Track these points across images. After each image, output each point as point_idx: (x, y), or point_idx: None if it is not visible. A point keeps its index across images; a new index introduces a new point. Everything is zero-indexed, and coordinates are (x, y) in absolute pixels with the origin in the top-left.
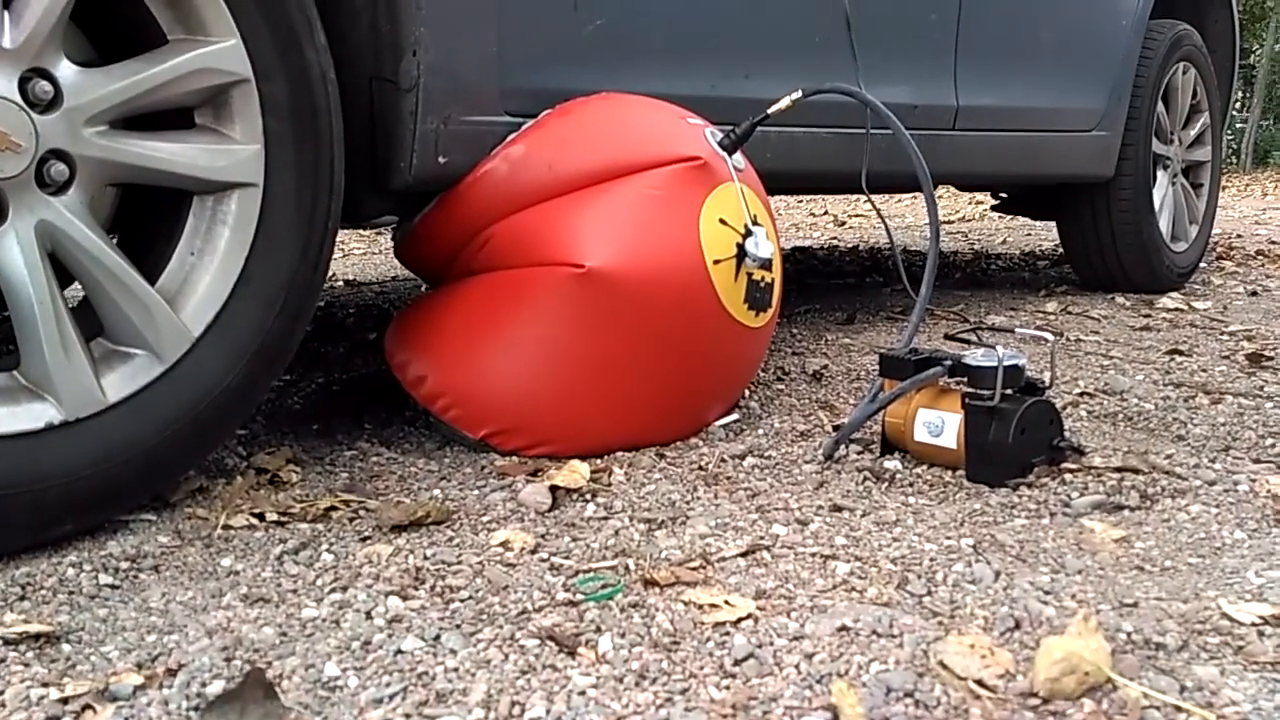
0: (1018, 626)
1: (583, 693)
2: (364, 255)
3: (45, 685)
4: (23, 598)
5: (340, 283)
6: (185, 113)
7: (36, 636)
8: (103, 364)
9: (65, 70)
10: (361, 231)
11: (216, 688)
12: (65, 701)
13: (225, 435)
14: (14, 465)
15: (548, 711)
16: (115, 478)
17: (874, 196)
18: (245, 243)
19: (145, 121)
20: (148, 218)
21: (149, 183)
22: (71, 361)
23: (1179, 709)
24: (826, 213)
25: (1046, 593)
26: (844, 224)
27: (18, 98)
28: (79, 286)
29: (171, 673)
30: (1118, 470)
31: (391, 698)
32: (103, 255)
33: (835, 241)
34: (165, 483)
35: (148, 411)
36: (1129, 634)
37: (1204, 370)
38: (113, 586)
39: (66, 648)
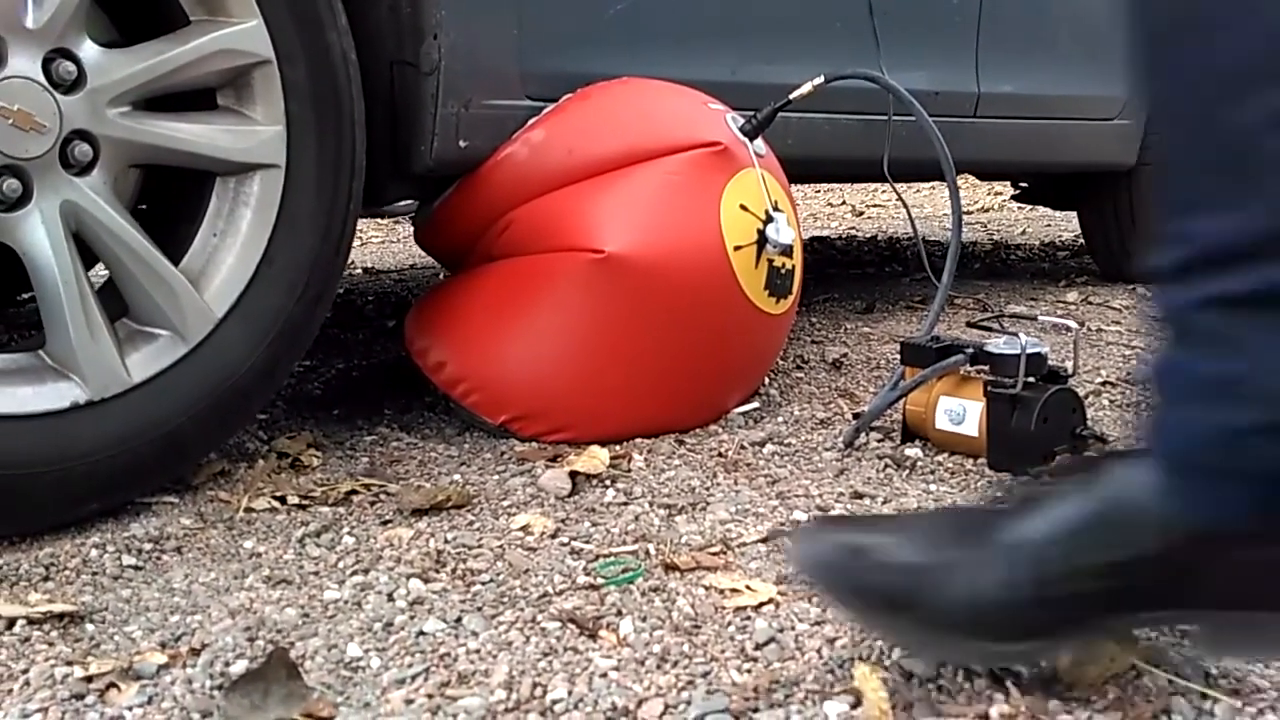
0: None
1: (604, 675)
2: (382, 244)
3: (69, 664)
4: (46, 578)
5: (359, 270)
6: (208, 94)
7: (60, 616)
8: (127, 344)
9: (88, 51)
10: (380, 220)
11: (240, 667)
12: (89, 680)
13: (248, 416)
14: (40, 444)
15: (569, 693)
16: (140, 457)
17: (896, 184)
18: (268, 224)
19: (168, 103)
20: (171, 199)
21: (172, 164)
22: (97, 342)
23: (1205, 695)
24: (844, 202)
25: None
26: (862, 214)
27: (41, 78)
28: (103, 268)
29: (195, 652)
30: None
31: (414, 678)
32: (127, 236)
33: (853, 231)
34: (189, 463)
35: (172, 392)
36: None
37: None
38: (136, 567)
39: (90, 627)
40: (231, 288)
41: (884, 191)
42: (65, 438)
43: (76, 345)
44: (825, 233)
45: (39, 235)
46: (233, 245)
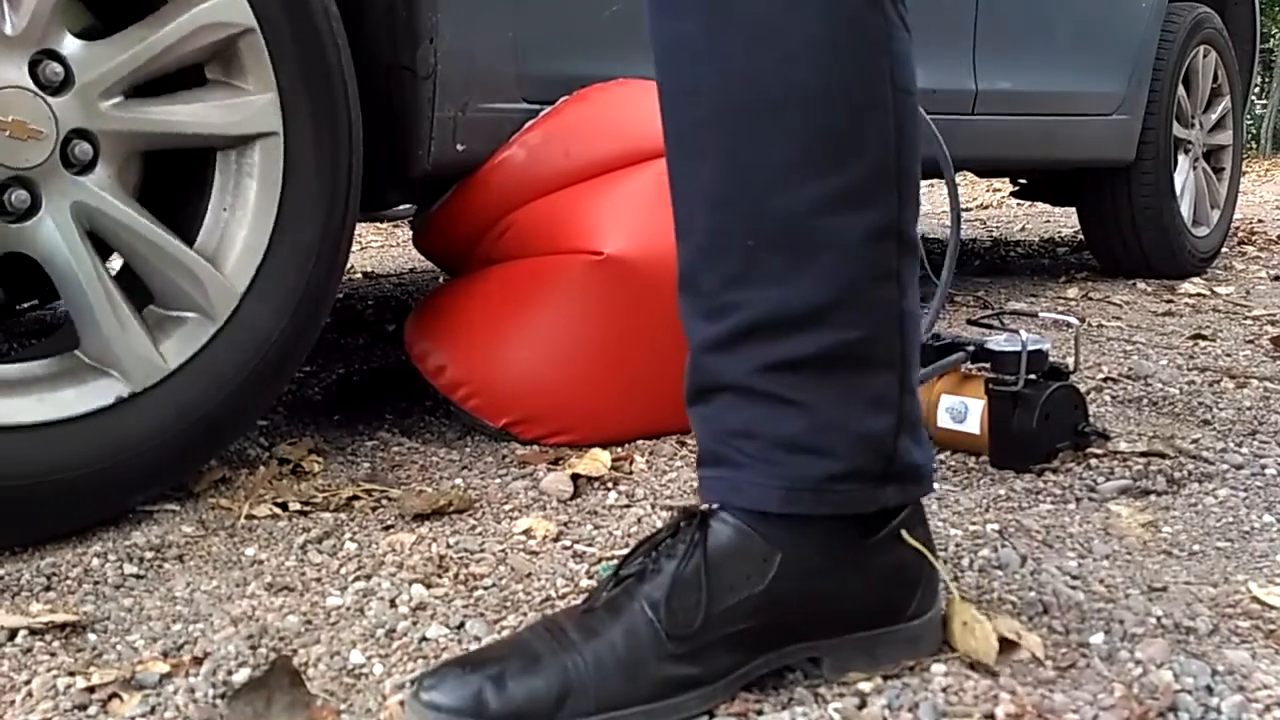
0: (1046, 611)
1: None
2: (381, 248)
3: (71, 674)
4: (48, 588)
5: (359, 275)
6: (196, 70)
7: (62, 626)
8: (158, 331)
9: (71, 46)
10: (379, 224)
11: (243, 675)
12: (92, 690)
13: (279, 389)
14: (90, 444)
15: None
16: (185, 441)
17: None
18: (274, 193)
19: (158, 85)
20: (176, 181)
21: (171, 146)
22: (129, 333)
23: (1210, 692)
24: None
25: (1074, 577)
26: None
27: (30, 84)
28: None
29: (197, 661)
30: (1144, 455)
31: (414, 682)
32: (139, 226)
33: None
34: (227, 443)
35: (208, 372)
36: (1159, 618)
37: (1228, 355)
38: (137, 576)
39: (92, 637)
40: (249, 261)
41: None
42: (113, 433)
43: (110, 340)
44: None
45: (55, 240)
46: (244, 218)
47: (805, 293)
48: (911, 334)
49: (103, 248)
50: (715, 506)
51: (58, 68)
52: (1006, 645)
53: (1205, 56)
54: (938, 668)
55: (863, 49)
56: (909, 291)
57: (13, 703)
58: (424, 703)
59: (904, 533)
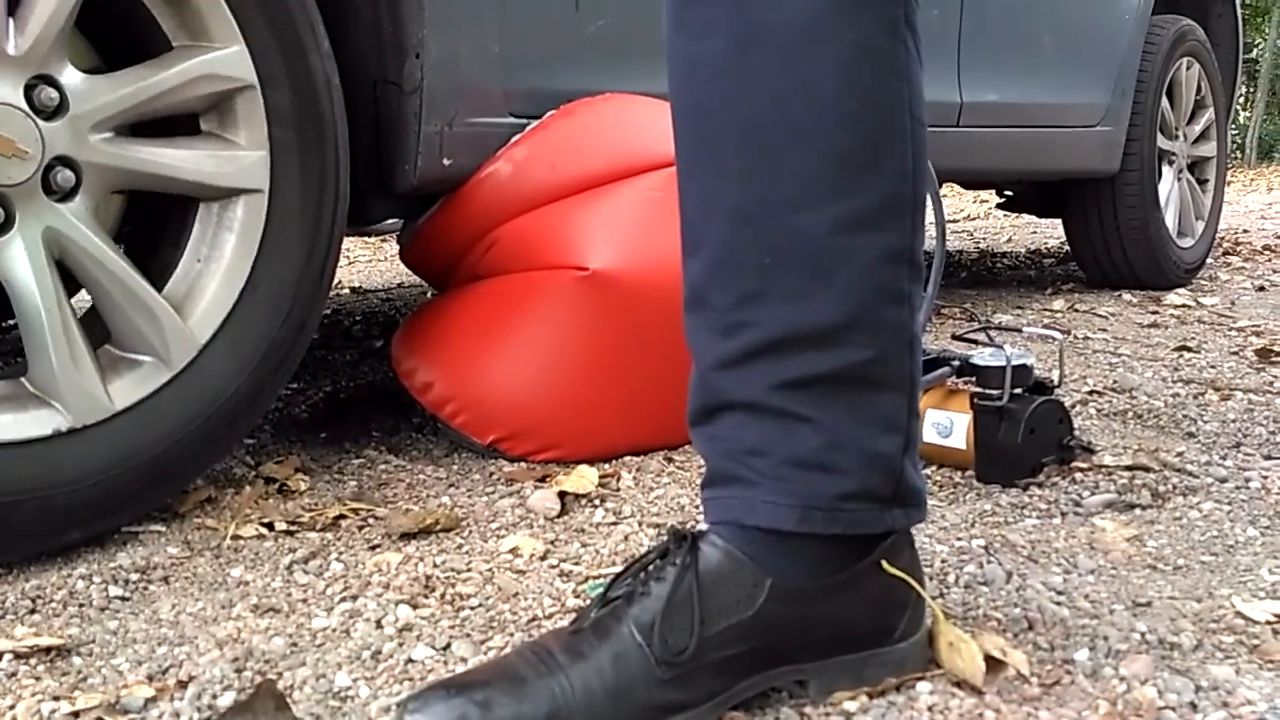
0: (1031, 627)
1: None
2: (369, 263)
3: (56, 699)
4: (33, 610)
5: (346, 290)
6: (191, 119)
7: (47, 650)
8: (110, 371)
9: (70, 77)
10: (367, 238)
11: (228, 699)
12: (77, 715)
13: (234, 441)
14: (22, 472)
15: None
16: (124, 484)
17: None
18: (251, 249)
19: (151, 128)
20: (154, 224)
21: (155, 189)
22: (79, 368)
23: (1194, 708)
24: None
25: (1059, 593)
26: None
27: (24, 104)
28: (86, 294)
29: (183, 685)
30: (1128, 469)
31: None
32: (109, 262)
33: None
34: (174, 489)
35: (156, 418)
36: (1143, 634)
37: (1213, 366)
38: (123, 598)
39: (77, 660)
40: (215, 313)
41: None
42: (47, 465)
43: (58, 372)
44: None
45: (21, 262)
46: (216, 270)
47: (821, 311)
48: (918, 357)
49: (72, 281)
50: (705, 529)
51: (53, 93)
52: (993, 664)
53: (1189, 68)
54: (923, 686)
55: (886, 77)
56: (916, 315)
57: None
58: None
59: (884, 562)
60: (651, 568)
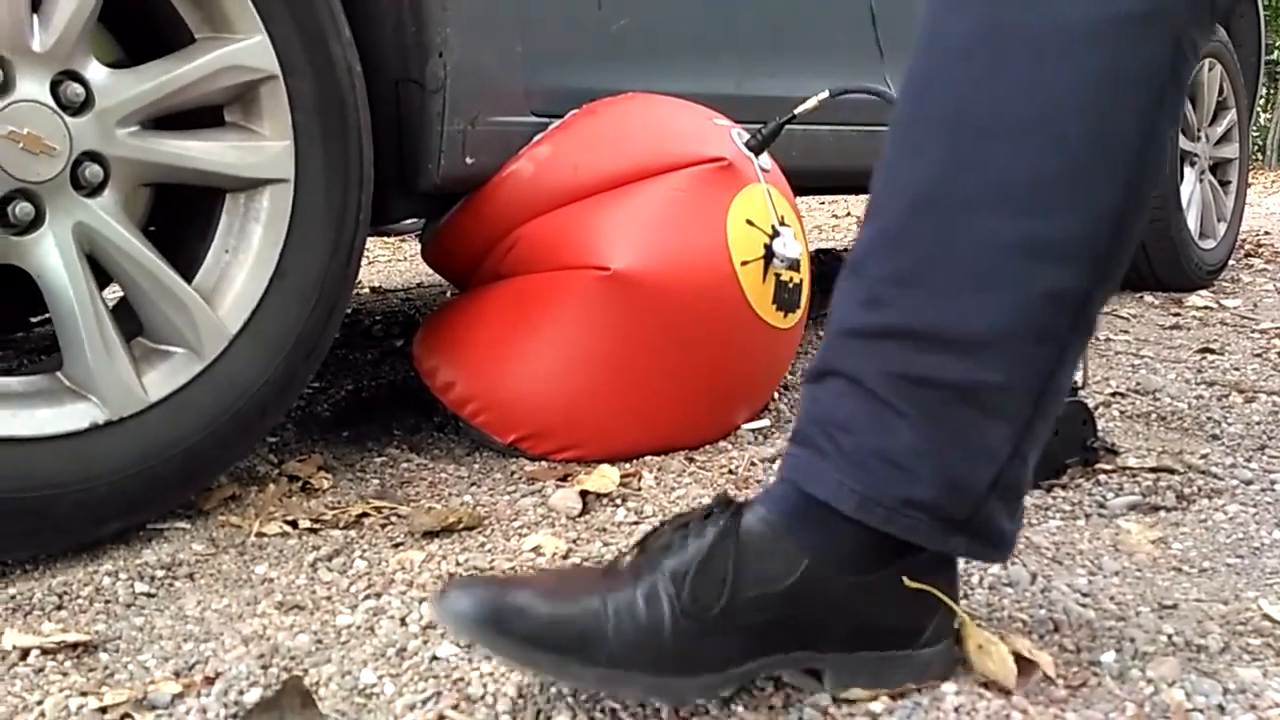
0: (1057, 629)
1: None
2: (389, 263)
3: (84, 694)
4: (60, 607)
5: (367, 289)
6: (215, 111)
7: (74, 646)
8: (143, 363)
9: (95, 72)
10: (386, 238)
11: (254, 695)
12: (104, 711)
13: (264, 431)
14: (61, 465)
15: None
16: (159, 476)
17: None
18: (278, 239)
19: (176, 121)
20: (182, 216)
21: (182, 182)
22: (113, 361)
23: (1222, 710)
24: (849, 214)
25: (1085, 595)
26: None
27: (50, 101)
28: (117, 287)
29: (209, 681)
30: (1153, 470)
31: (425, 703)
32: (139, 255)
33: None
34: (208, 480)
35: (189, 409)
36: (1170, 636)
37: (1236, 369)
38: (149, 595)
39: (104, 656)
40: (245, 303)
41: None
42: (85, 458)
43: (93, 365)
44: (830, 244)
45: (53, 258)
46: (245, 261)
47: (969, 320)
48: (1047, 408)
49: (103, 275)
50: (750, 500)
51: (79, 89)
52: (1021, 665)
53: (1210, 70)
54: (949, 687)
55: (1130, 113)
56: (1066, 366)
57: None
58: (448, 608)
59: (906, 579)
60: (692, 525)
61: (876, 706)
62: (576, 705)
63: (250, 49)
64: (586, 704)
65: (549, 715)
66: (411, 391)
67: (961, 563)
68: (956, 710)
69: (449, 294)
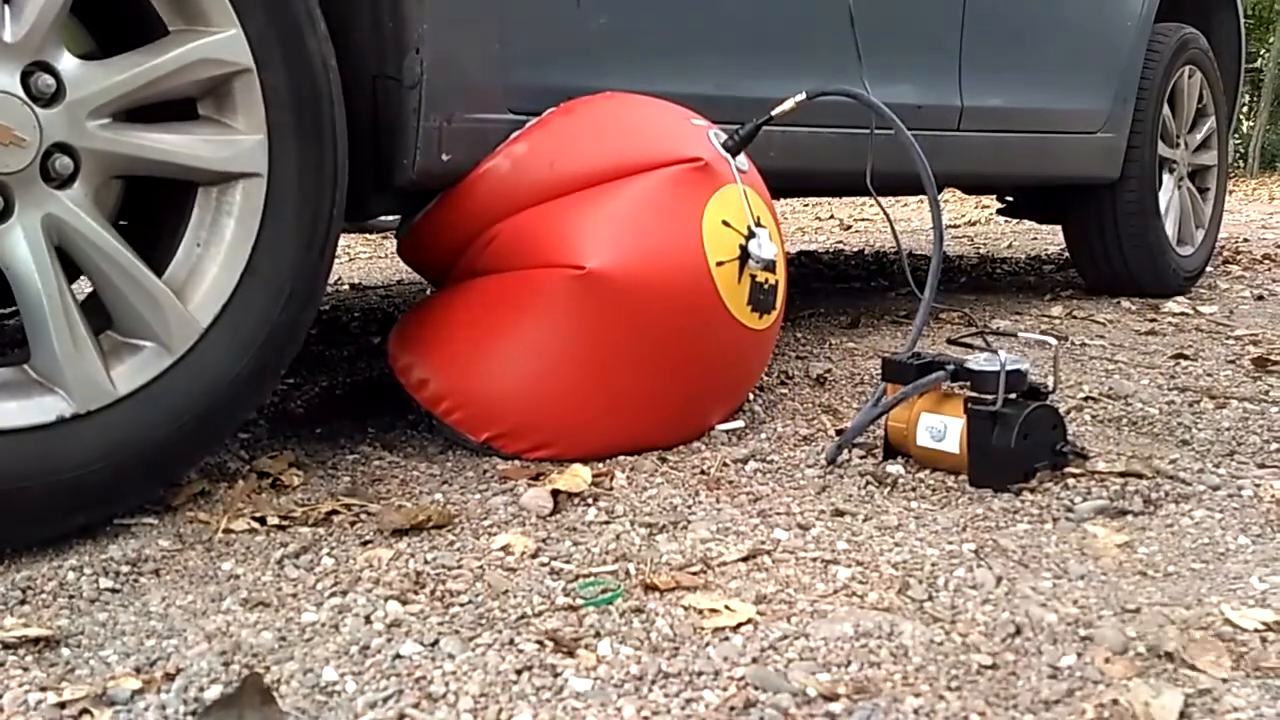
0: (1019, 632)
1: (579, 696)
2: (369, 260)
3: (44, 689)
4: (23, 601)
5: (345, 286)
6: (188, 104)
7: (36, 640)
8: (112, 356)
9: (67, 63)
10: (367, 235)
11: (214, 692)
12: (63, 706)
13: (234, 426)
14: (26, 458)
15: (534, 717)
16: (127, 469)
17: (880, 198)
18: (251, 233)
19: (148, 113)
20: (153, 209)
21: (153, 174)
22: (81, 354)
23: (1183, 716)
24: (832, 217)
25: (1048, 598)
26: (849, 228)
27: (20, 92)
28: (87, 281)
29: (169, 677)
30: (1121, 475)
31: (385, 700)
32: (109, 248)
33: (841, 246)
34: (177, 474)
35: (158, 403)
36: (1131, 640)
37: (1209, 375)
38: (113, 590)
39: (66, 652)
40: (216, 298)
41: (872, 206)
42: (51, 451)
43: (61, 358)
44: (813, 247)
45: (21, 249)
46: (216, 255)
47: None
48: None
49: (72, 268)
50: None
51: (50, 80)
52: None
53: (1190, 76)
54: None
55: None
56: None
57: None
58: None
59: None
60: None
61: (836, 707)
62: (539, 704)
63: (224, 42)
64: (549, 702)
65: (511, 714)
66: (387, 388)
67: (926, 566)
68: (915, 712)
69: (428, 291)
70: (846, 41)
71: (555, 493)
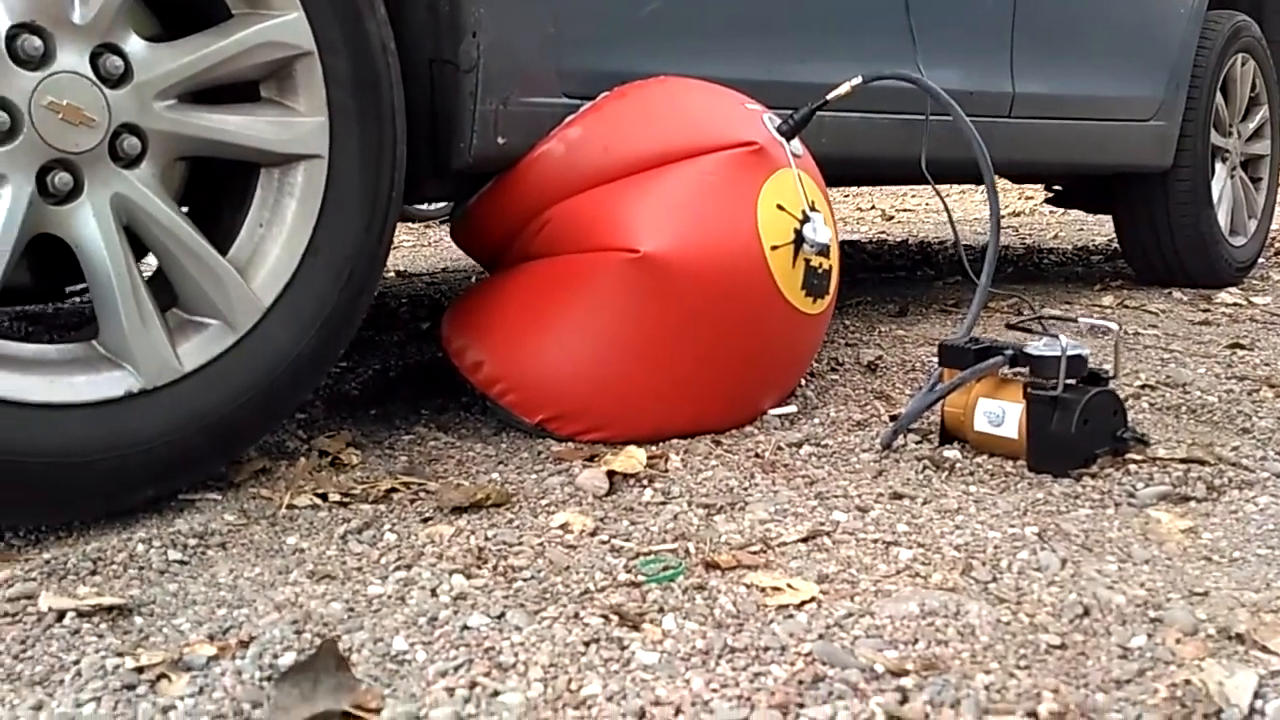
0: (1087, 613)
1: (646, 667)
2: (414, 248)
3: (120, 655)
4: (94, 572)
5: (392, 274)
6: (251, 86)
7: (109, 609)
8: (178, 334)
9: (134, 45)
10: (411, 224)
11: (288, 659)
12: (140, 671)
13: (295, 404)
14: (96, 432)
15: (604, 686)
16: (192, 445)
17: (934, 185)
18: (312, 214)
19: (213, 95)
20: (217, 190)
21: (217, 155)
22: (148, 331)
23: (1256, 695)
24: (874, 207)
25: (1115, 581)
26: (892, 218)
27: (90, 73)
28: (153, 259)
29: (244, 644)
30: (1183, 462)
31: (457, 669)
32: (175, 227)
33: (884, 236)
34: (240, 450)
35: (222, 380)
36: (1201, 622)
37: (1266, 364)
38: (181, 562)
39: (139, 620)
40: (278, 277)
41: (913, 196)
42: (120, 425)
43: (129, 334)
44: (856, 236)
45: (90, 228)
46: (278, 235)
47: None
48: None
49: (139, 246)
50: None
51: (118, 62)
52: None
53: (1244, 64)
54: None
55: None
56: None
57: (63, 681)
58: None
59: None
60: None
61: (908, 682)
62: (608, 674)
63: (287, 25)
64: (617, 674)
65: (580, 684)
66: (438, 372)
67: (989, 548)
68: (987, 688)
69: (474, 279)
70: (901, 26)
71: (611, 474)
